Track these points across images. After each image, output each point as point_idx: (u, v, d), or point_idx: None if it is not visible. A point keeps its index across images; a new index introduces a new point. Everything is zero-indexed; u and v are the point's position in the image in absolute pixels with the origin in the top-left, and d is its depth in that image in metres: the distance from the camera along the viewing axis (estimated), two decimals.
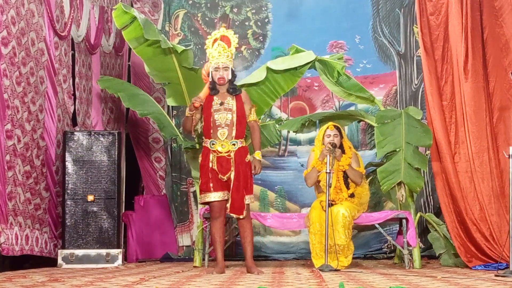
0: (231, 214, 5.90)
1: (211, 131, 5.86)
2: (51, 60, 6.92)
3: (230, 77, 5.93)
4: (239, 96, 5.96)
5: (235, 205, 5.84)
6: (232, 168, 5.84)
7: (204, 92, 5.94)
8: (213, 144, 5.86)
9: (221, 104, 5.88)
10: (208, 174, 5.84)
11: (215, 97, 5.91)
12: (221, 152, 5.84)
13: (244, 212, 5.86)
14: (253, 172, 5.94)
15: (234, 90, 5.95)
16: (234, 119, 5.87)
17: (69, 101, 7.44)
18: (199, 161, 5.98)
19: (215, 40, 5.99)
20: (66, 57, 7.39)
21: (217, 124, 5.85)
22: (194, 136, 6.04)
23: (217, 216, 5.88)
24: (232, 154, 5.85)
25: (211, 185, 5.82)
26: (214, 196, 5.83)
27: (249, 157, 5.95)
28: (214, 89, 5.92)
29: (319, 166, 6.57)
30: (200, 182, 5.93)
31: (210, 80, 5.94)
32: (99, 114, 8.17)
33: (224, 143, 5.84)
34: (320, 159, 6.57)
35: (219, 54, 5.91)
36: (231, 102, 5.90)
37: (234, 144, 5.86)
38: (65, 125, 7.34)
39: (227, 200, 5.89)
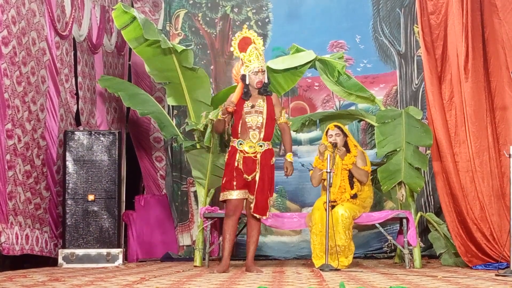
0: (255, 215, 5.94)
1: (240, 132, 5.93)
2: (53, 60, 6.92)
3: (266, 80, 6.02)
4: (269, 98, 6.03)
5: (259, 206, 5.92)
6: (258, 169, 5.91)
7: (236, 95, 5.95)
8: (240, 144, 5.93)
9: (252, 107, 5.94)
10: (232, 173, 5.90)
11: (246, 100, 5.98)
12: (247, 153, 5.91)
13: (267, 213, 5.98)
14: (286, 173, 6.06)
15: (265, 91, 6.00)
16: (264, 121, 5.94)
17: (72, 101, 7.44)
18: (225, 159, 6.04)
19: (245, 42, 5.99)
20: (68, 57, 7.39)
21: (248, 126, 5.93)
22: (229, 132, 6.10)
23: (231, 214, 5.94)
24: (258, 156, 5.92)
25: (234, 183, 5.89)
26: (236, 194, 5.90)
27: (273, 159, 6.03)
28: (247, 93, 5.96)
29: (320, 165, 6.59)
30: (224, 180, 5.97)
31: (247, 83, 5.95)
32: (104, 114, 8.17)
33: (252, 144, 5.91)
34: (320, 158, 6.60)
35: (257, 57, 5.96)
36: (262, 104, 5.97)
37: (261, 146, 5.94)
38: (68, 124, 7.34)
39: (244, 200, 5.96)
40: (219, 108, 6.13)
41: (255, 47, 5.99)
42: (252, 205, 5.92)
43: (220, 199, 6.07)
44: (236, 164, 5.91)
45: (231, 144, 6.02)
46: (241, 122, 5.92)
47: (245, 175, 5.90)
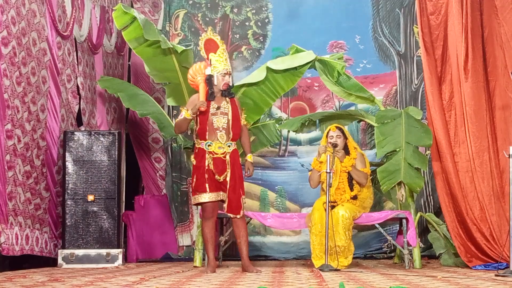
0: (228, 214, 5.98)
1: (207, 133, 5.95)
2: (54, 60, 6.92)
3: (231, 83, 6.10)
4: (233, 100, 6.09)
5: (232, 205, 5.96)
6: (228, 169, 5.94)
7: (202, 95, 6.00)
8: (209, 145, 5.94)
9: (218, 108, 5.99)
10: (204, 175, 5.93)
11: (211, 101, 6.00)
12: (217, 154, 5.93)
13: (241, 212, 6.00)
14: (246, 174, 6.11)
15: (229, 93, 6.06)
16: (230, 122, 5.98)
17: (74, 101, 7.44)
18: (193, 163, 6.03)
19: (211, 44, 6.04)
20: (70, 57, 7.40)
21: (215, 127, 5.96)
22: (189, 133, 6.15)
23: (209, 216, 6.00)
24: (227, 156, 5.96)
25: (207, 185, 5.92)
26: (209, 197, 5.94)
27: (240, 159, 6.09)
28: (212, 94, 6.00)
29: (318, 166, 6.60)
30: (194, 183, 5.99)
31: (215, 84, 5.99)
32: (104, 114, 8.17)
33: (220, 145, 5.93)
34: (317, 159, 6.60)
35: (226, 60, 6.05)
36: (226, 106, 6.02)
37: (229, 146, 5.99)
38: (69, 125, 7.34)
39: (219, 201, 6.01)
40: (181, 109, 6.11)
41: (224, 49, 6.07)
42: (225, 206, 5.97)
43: (192, 203, 6.11)
44: (207, 167, 5.93)
45: (197, 146, 6.03)
46: (208, 123, 5.94)
47: (216, 176, 5.93)
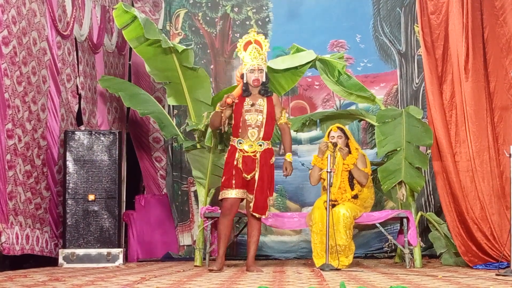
0: (254, 214, 5.95)
1: (240, 130, 5.95)
2: (53, 60, 6.92)
3: (264, 79, 6.02)
4: (270, 98, 6.05)
5: (258, 205, 5.93)
6: (257, 169, 5.92)
7: (237, 91, 6.00)
8: (240, 143, 5.94)
9: (252, 105, 5.96)
10: (232, 172, 5.92)
11: (246, 98, 5.99)
12: (247, 152, 5.92)
13: (267, 213, 6.01)
14: (284, 174, 6.08)
15: (265, 91, 6.03)
16: (264, 120, 5.94)
17: (73, 101, 7.44)
18: (225, 158, 6.06)
19: (247, 44, 6.04)
20: (70, 56, 7.40)
21: (247, 124, 5.94)
22: (225, 129, 6.10)
23: (227, 213, 5.96)
24: (257, 155, 5.93)
25: (233, 182, 5.90)
26: (235, 193, 5.91)
27: (273, 159, 6.05)
28: (247, 90, 5.99)
29: (319, 163, 6.60)
30: (223, 179, 5.98)
31: (245, 81, 5.98)
32: (104, 114, 8.17)
33: (251, 143, 5.92)
34: (319, 156, 6.61)
35: (254, 56, 6.00)
36: (262, 103, 5.99)
37: (260, 145, 5.95)
38: (69, 124, 7.34)
39: (240, 199, 5.98)
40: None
41: (255, 46, 6.01)
42: (251, 205, 5.93)
43: (219, 197, 6.09)
44: (235, 163, 5.93)
45: (230, 143, 6.04)
46: (241, 119, 5.93)
47: (244, 174, 5.91)
